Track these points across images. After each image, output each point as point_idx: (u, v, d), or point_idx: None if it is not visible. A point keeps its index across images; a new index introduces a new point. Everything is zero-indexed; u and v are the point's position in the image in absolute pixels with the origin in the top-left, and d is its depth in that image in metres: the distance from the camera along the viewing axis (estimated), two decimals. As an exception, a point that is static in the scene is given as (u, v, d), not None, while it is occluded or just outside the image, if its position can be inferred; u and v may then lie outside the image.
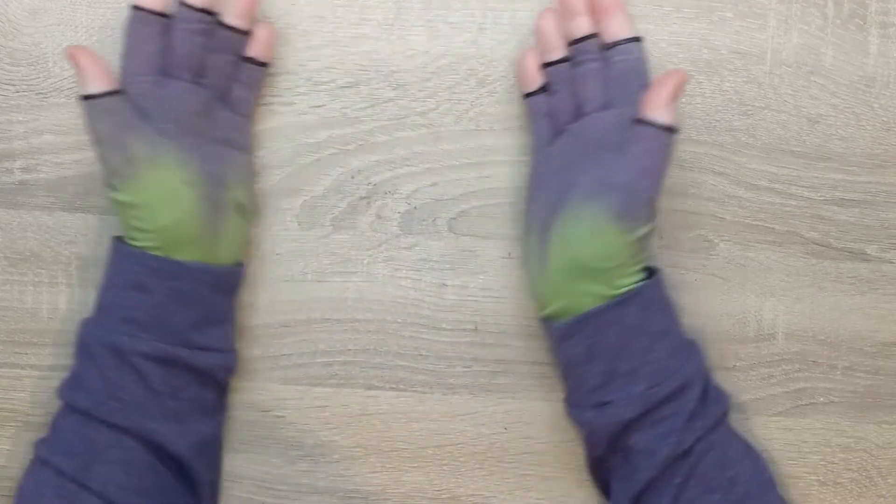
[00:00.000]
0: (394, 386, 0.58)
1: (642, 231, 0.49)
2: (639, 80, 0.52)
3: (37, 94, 0.58)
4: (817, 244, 0.58)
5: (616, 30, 0.52)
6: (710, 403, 0.50)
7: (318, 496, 0.58)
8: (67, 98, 0.58)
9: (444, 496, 0.58)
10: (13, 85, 0.58)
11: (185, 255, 0.51)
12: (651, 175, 0.49)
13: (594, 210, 0.49)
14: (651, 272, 0.52)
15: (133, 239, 0.51)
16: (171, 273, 0.50)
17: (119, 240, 0.52)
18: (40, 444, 0.50)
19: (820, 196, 0.58)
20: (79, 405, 0.49)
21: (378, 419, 0.58)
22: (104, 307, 0.51)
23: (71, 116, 0.58)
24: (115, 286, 0.51)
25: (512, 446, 0.58)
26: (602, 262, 0.49)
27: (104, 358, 0.49)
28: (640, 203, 0.49)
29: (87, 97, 0.49)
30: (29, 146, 0.58)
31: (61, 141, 0.58)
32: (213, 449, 0.55)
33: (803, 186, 0.58)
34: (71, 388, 0.51)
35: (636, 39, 0.52)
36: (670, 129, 0.49)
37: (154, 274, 0.50)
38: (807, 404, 0.58)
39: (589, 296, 0.50)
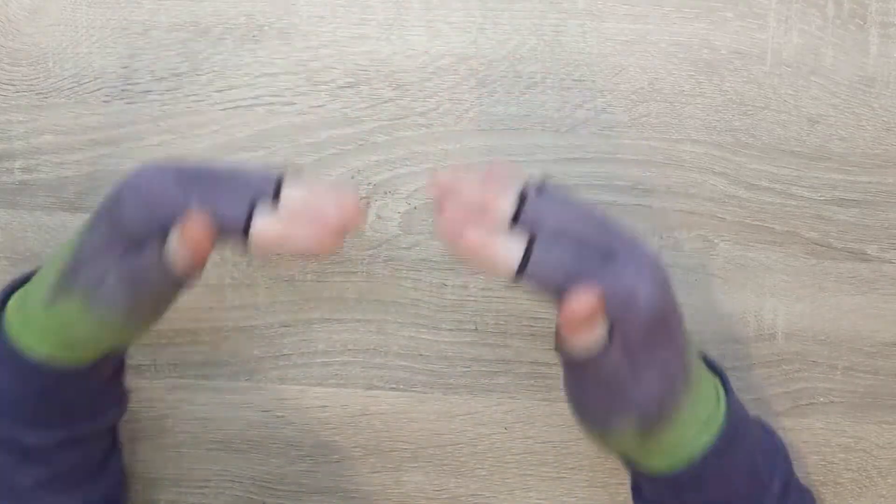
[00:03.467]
0: (394, 386, 0.58)
1: (620, 433, 0.44)
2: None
3: (37, 94, 0.58)
4: (817, 244, 0.58)
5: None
6: None
7: (318, 496, 0.58)
8: (67, 98, 0.58)
9: (443, 496, 0.58)
10: (13, 85, 0.58)
11: None
12: (612, 402, 0.44)
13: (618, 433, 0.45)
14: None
15: None
16: None
17: None
18: None
19: (820, 196, 0.58)
20: None
21: (378, 419, 0.58)
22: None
23: (71, 116, 0.58)
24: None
25: (512, 446, 0.58)
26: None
27: None
28: (645, 420, 0.44)
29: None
30: (29, 146, 0.58)
31: (61, 141, 0.58)
32: None
33: (803, 186, 0.58)
34: None
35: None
36: (596, 353, 0.42)
37: None
38: (807, 404, 0.58)
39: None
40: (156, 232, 0.42)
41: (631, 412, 0.43)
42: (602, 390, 0.43)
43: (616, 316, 0.41)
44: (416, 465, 0.58)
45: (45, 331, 0.45)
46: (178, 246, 0.42)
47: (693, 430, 0.45)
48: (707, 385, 0.46)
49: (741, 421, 0.47)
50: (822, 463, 0.58)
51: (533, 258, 0.41)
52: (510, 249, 0.41)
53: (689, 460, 0.45)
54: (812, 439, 0.58)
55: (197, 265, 0.43)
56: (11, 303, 0.47)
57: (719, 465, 0.45)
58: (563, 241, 0.41)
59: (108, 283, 0.43)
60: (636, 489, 0.51)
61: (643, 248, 0.42)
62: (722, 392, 0.47)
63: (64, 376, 0.46)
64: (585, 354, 0.42)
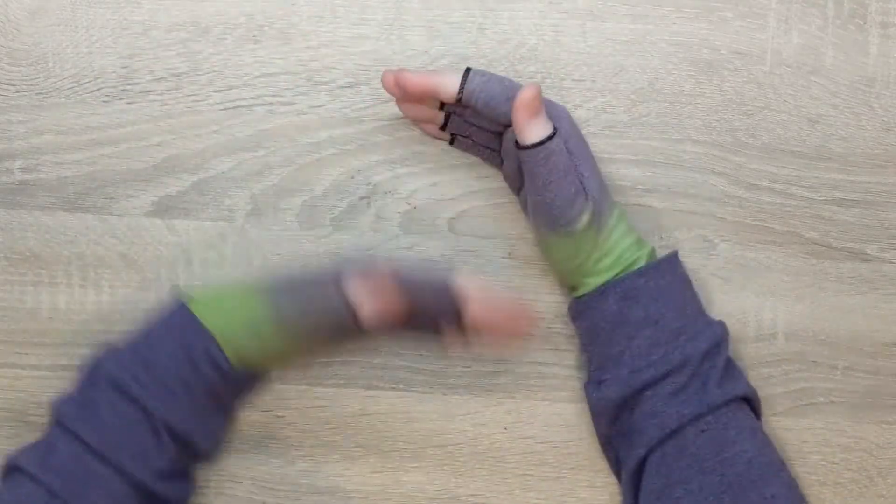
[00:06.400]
0: (394, 386, 0.58)
1: (581, 223, 0.51)
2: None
3: (37, 94, 0.58)
4: (817, 244, 0.58)
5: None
6: (708, 388, 0.51)
7: (318, 496, 0.58)
8: (67, 98, 0.58)
9: (444, 496, 0.58)
10: (13, 85, 0.58)
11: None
12: (551, 186, 0.51)
13: (537, 231, 0.54)
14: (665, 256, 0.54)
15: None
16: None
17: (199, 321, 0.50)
18: (26, 456, 0.49)
19: (820, 196, 0.58)
20: (83, 436, 0.48)
21: (378, 419, 0.58)
22: (149, 364, 0.49)
23: (71, 116, 0.58)
24: (169, 354, 0.50)
25: (512, 446, 0.58)
26: (567, 263, 0.53)
27: (123, 404, 0.49)
28: (556, 212, 0.51)
29: None
30: (29, 146, 0.58)
31: (61, 141, 0.58)
32: None
33: (803, 186, 0.58)
34: (77, 416, 0.49)
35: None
36: (542, 142, 0.51)
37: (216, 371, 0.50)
38: (807, 404, 0.58)
39: (586, 286, 0.54)
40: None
41: (586, 198, 0.51)
42: (564, 177, 0.51)
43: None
44: (416, 465, 0.58)
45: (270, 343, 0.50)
46: (365, 298, 0.49)
47: (628, 242, 0.53)
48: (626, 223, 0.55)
49: (681, 266, 0.55)
50: (823, 463, 0.58)
51: (469, 80, 0.52)
52: (452, 78, 0.52)
53: (631, 267, 0.53)
54: (812, 439, 0.58)
55: (380, 322, 0.49)
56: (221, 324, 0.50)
57: (654, 283, 0.52)
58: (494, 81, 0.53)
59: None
60: (574, 312, 0.56)
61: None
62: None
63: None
64: (543, 135, 0.50)
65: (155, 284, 0.58)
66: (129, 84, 0.58)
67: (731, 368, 0.53)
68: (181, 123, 0.58)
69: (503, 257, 0.58)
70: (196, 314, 0.50)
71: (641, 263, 0.53)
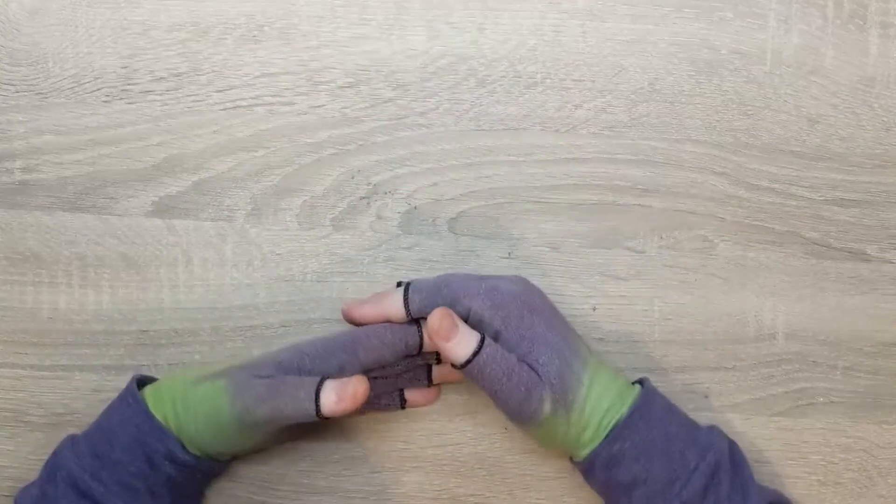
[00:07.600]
0: (394, 386, 0.58)
1: (543, 414, 0.50)
2: None
3: (37, 94, 0.58)
4: (817, 244, 0.58)
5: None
6: None
7: (318, 496, 0.58)
8: (67, 98, 0.58)
9: (444, 496, 0.58)
10: (13, 85, 0.58)
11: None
12: (497, 395, 0.51)
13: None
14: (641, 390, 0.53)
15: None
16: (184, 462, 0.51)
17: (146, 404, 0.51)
18: None
19: (820, 196, 0.58)
20: None
21: (378, 419, 0.58)
22: (108, 460, 0.50)
23: (71, 116, 0.58)
24: (126, 448, 0.50)
25: (512, 446, 0.58)
26: (549, 444, 0.53)
27: None
28: (513, 413, 0.51)
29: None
30: (29, 146, 0.58)
31: (61, 141, 0.58)
32: None
33: (803, 186, 0.58)
34: None
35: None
36: (469, 360, 0.50)
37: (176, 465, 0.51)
38: (807, 404, 0.58)
39: (577, 456, 0.54)
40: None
41: (543, 388, 0.50)
42: (507, 382, 0.50)
43: (484, 311, 0.51)
44: (416, 465, 0.58)
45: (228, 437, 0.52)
46: (335, 399, 0.49)
47: (607, 404, 0.51)
48: (607, 369, 0.53)
49: (655, 397, 0.52)
50: (823, 463, 0.58)
51: (411, 302, 0.52)
52: (395, 302, 0.53)
53: (612, 429, 0.51)
54: (812, 439, 0.58)
55: (346, 414, 0.50)
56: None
57: (631, 443, 0.50)
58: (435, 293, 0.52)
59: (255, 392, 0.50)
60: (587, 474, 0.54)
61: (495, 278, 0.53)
62: (637, 386, 0.53)
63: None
64: (467, 353, 0.50)
65: (155, 284, 0.58)
66: (129, 84, 0.58)
67: (738, 482, 0.51)
68: (181, 123, 0.58)
69: (503, 257, 0.58)
70: (153, 410, 0.51)
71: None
